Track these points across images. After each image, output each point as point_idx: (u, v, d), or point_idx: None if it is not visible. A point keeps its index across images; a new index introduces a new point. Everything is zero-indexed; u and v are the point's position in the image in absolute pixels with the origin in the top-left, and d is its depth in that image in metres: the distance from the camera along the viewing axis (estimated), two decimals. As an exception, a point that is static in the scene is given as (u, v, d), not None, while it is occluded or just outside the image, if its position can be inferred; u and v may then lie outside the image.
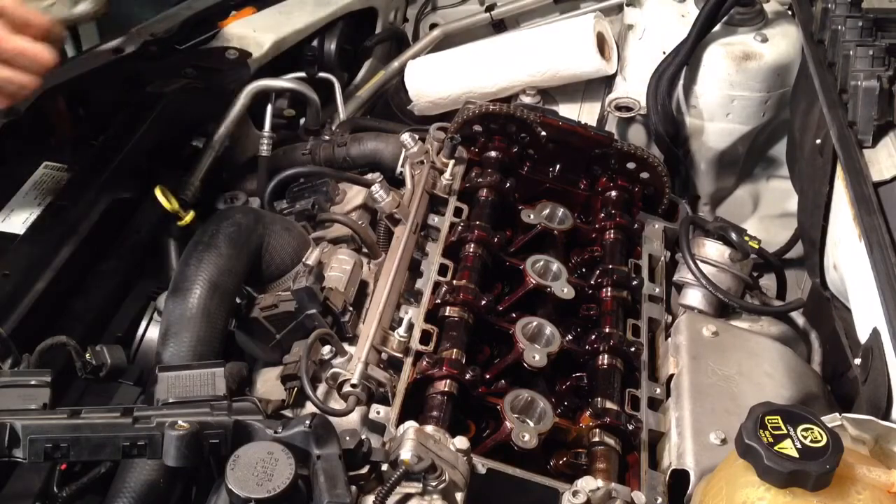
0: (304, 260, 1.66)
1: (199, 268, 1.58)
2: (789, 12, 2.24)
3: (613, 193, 1.98)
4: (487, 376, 1.57)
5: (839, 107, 1.63)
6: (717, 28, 2.17)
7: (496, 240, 1.77)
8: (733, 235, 1.90)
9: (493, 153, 1.96)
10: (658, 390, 1.64)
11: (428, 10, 2.75)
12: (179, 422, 1.17)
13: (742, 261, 1.90)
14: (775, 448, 1.13)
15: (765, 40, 2.16)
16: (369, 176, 1.97)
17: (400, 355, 1.55)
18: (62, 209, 1.72)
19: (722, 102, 2.19)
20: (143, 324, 1.72)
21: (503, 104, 1.97)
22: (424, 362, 1.52)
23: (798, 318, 1.91)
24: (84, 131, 1.96)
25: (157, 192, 1.81)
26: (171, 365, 1.41)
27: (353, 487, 1.22)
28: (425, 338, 1.58)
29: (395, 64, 2.56)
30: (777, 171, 2.33)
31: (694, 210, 2.28)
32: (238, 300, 1.67)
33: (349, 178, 1.99)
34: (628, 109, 2.27)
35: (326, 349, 1.56)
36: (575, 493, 1.35)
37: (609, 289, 1.78)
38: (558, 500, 1.38)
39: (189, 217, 1.84)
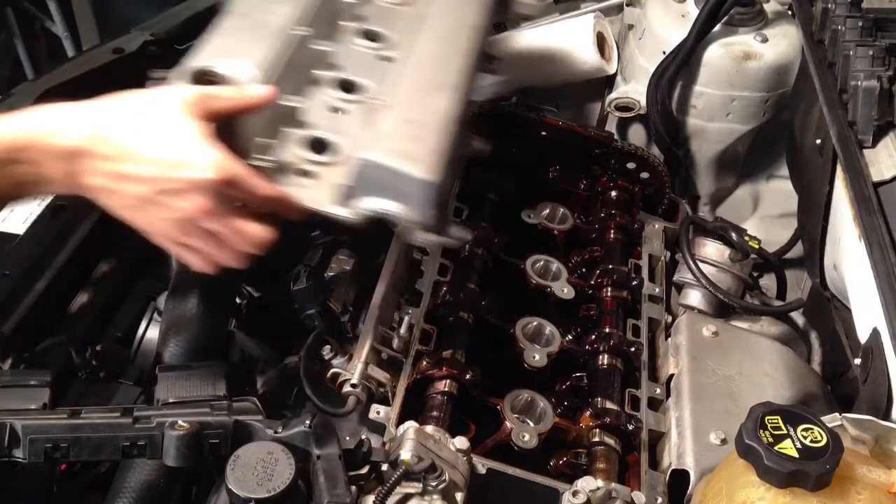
0: (304, 260, 1.66)
1: (199, 268, 1.58)
2: (789, 12, 2.23)
3: (613, 193, 1.98)
4: (487, 376, 1.57)
5: (839, 107, 1.63)
6: (717, 28, 2.16)
7: (496, 240, 1.77)
8: (733, 235, 1.90)
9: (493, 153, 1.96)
10: (658, 390, 1.64)
11: (428, 10, 2.75)
12: (179, 422, 1.17)
13: (742, 261, 1.90)
14: (775, 448, 1.13)
15: (765, 40, 2.16)
16: (369, 176, 1.96)
17: (400, 355, 1.54)
18: (62, 209, 1.72)
19: (722, 102, 2.18)
20: (143, 324, 1.72)
21: (503, 104, 1.97)
22: (424, 362, 1.52)
23: (798, 318, 1.91)
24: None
25: (157, 192, 1.80)
26: (171, 365, 1.41)
27: (353, 487, 1.22)
28: (425, 338, 1.58)
29: (396, 64, 2.56)
30: (777, 171, 2.33)
31: (694, 210, 2.28)
32: (238, 300, 1.67)
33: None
34: (628, 109, 2.26)
35: (326, 349, 1.56)
36: (575, 493, 1.35)
37: (609, 289, 1.78)
38: (558, 500, 1.37)
39: (189, 217, 1.83)
